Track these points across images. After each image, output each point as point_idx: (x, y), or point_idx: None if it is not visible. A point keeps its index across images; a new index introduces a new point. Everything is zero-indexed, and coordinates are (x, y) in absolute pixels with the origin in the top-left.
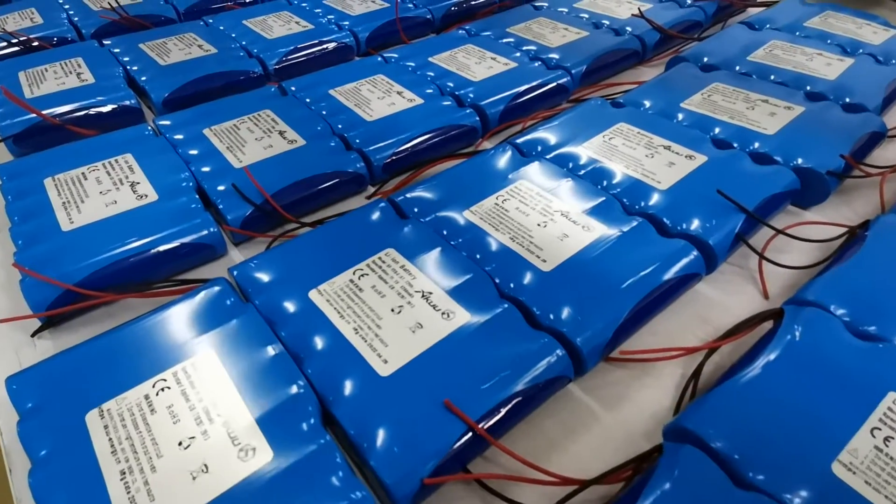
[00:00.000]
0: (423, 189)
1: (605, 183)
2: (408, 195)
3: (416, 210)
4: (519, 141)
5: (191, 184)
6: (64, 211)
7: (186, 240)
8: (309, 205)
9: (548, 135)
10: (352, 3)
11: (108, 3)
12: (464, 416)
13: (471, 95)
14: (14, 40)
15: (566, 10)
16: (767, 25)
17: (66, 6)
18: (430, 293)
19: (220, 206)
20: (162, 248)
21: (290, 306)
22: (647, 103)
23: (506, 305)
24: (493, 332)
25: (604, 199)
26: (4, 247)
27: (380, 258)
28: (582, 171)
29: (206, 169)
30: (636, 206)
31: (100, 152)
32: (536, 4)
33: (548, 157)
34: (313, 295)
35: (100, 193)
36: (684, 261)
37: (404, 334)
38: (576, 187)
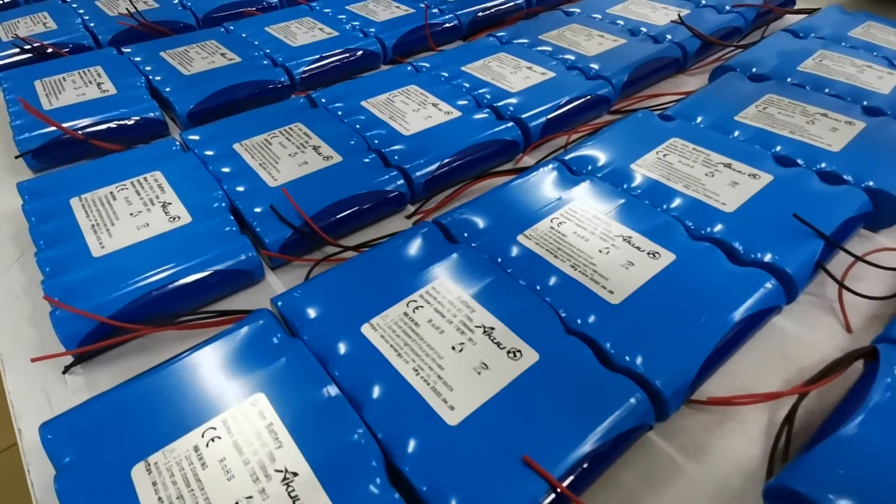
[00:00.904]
0: (470, 211)
1: (664, 205)
2: (455, 217)
3: (465, 234)
4: (567, 158)
5: (224, 204)
6: (94, 234)
7: (224, 266)
8: (348, 226)
9: (596, 151)
10: (375, 8)
11: (127, 9)
12: (546, 473)
13: (511, 108)
14: (27, 46)
15: (599, 16)
16: (812, 34)
17: (81, 10)
18: (492, 328)
19: (258, 229)
20: (199, 275)
21: (341, 342)
22: (699, 116)
23: (574, 343)
24: (564, 373)
25: (666, 222)
26: (27, 271)
27: (433, 288)
28: (638, 192)
29: (240, 188)
30: (702, 230)
31: (127, 169)
32: (567, 10)
33: (599, 175)
34: (366, 330)
35: (130, 215)
36: (763, 292)
37: (469, 376)
38: (635, 209)
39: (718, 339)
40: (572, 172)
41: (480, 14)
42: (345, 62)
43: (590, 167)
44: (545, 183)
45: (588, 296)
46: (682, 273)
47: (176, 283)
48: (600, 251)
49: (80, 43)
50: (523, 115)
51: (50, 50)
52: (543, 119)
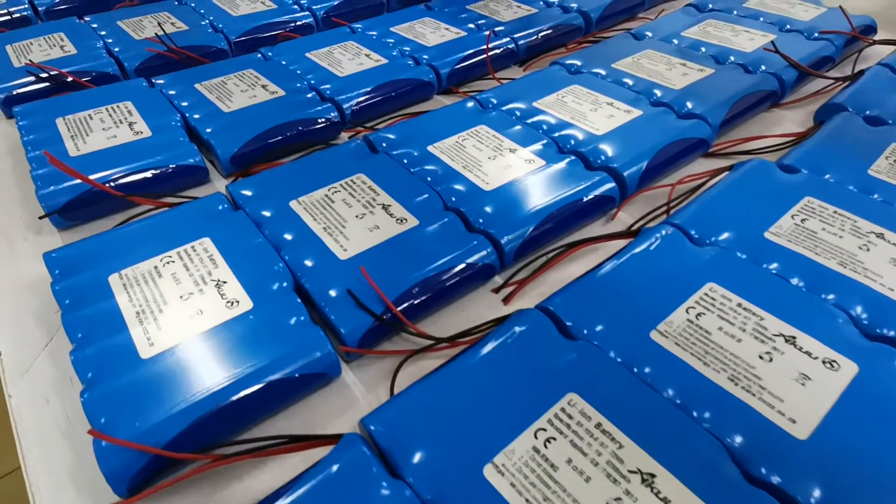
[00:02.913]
0: (581, 295)
1: (821, 290)
2: (565, 304)
3: (584, 332)
4: (680, 221)
5: (286, 283)
6: (140, 326)
7: (299, 369)
8: (430, 308)
9: (714, 212)
10: (423, 30)
11: (156, 34)
12: None
13: (601, 155)
14: (43, 74)
15: (676, 41)
16: None
17: (102, 32)
18: (652, 476)
19: (332, 318)
20: (268, 380)
21: (461, 492)
22: (826, 167)
23: (762, 498)
24: None
25: (832, 315)
26: (56, 363)
27: (562, 409)
28: (781, 269)
29: (307, 262)
30: (877, 328)
31: (171, 235)
32: (637, 33)
33: (725, 245)
34: (490, 474)
35: (180, 298)
36: None
37: None
38: (787, 296)
39: None
40: (692, 241)
41: (539, 37)
42: (397, 94)
43: (713, 236)
44: (665, 257)
45: (763, 426)
46: (872, 390)
47: (242, 395)
48: (761, 357)
49: (104, 71)
50: (616, 164)
51: (70, 79)
52: (640, 168)
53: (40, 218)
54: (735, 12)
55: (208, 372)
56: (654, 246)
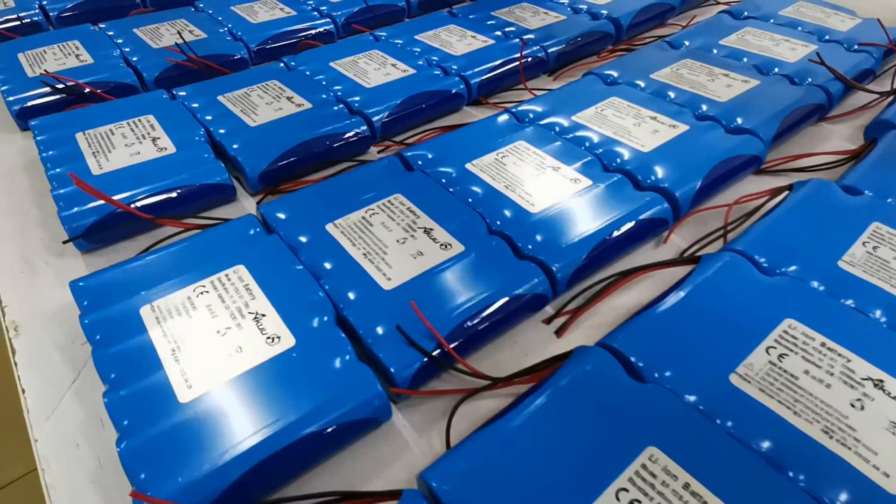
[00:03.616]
0: (645, 330)
1: None
2: (629, 340)
3: (655, 374)
4: (742, 247)
5: (328, 317)
6: (177, 366)
7: (347, 413)
8: (481, 341)
9: (783, 239)
10: (449, 38)
11: (176, 43)
12: None
13: (652, 175)
14: (59, 86)
15: (715, 50)
16: None
17: (119, 41)
18: None
19: (381, 356)
20: (319, 427)
21: None
22: (888, 190)
23: None
24: None
25: None
26: (84, 403)
27: (643, 466)
28: (859, 302)
29: (351, 295)
30: None
31: (203, 261)
32: (671, 41)
33: (795, 274)
34: None
35: (217, 333)
36: None
37: None
38: (871, 335)
39: None
40: (761, 270)
41: (569, 45)
42: (428, 106)
43: (783, 265)
44: (734, 288)
45: (861, 484)
46: None
47: (290, 444)
48: (853, 405)
49: (122, 82)
50: (667, 184)
51: (87, 90)
52: (693, 187)
53: (64, 242)
54: (772, 21)
55: (252, 419)
56: (719, 275)
